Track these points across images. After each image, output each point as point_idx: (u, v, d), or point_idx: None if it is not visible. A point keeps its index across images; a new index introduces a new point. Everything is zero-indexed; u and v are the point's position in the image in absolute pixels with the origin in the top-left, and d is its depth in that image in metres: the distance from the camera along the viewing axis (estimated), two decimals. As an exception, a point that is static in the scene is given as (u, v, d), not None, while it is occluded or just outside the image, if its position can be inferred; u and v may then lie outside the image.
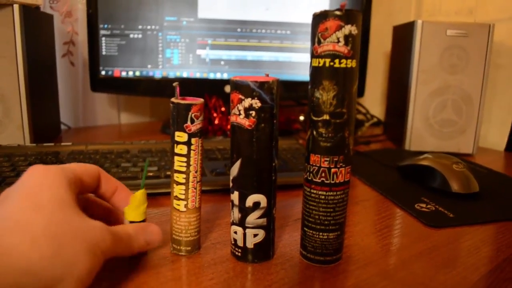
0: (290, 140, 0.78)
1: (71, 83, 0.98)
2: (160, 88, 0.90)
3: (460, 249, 0.43)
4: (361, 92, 0.97)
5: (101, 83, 0.90)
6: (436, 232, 0.47)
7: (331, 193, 0.36)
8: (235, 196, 0.37)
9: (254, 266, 0.38)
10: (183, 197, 0.38)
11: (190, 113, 0.35)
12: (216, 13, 0.87)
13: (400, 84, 0.87)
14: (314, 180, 0.36)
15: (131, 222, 0.37)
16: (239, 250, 0.39)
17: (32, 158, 0.62)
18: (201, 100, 0.37)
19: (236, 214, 0.38)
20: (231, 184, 0.38)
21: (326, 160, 0.35)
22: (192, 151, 0.36)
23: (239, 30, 0.89)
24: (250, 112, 0.34)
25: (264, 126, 0.35)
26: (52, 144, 0.69)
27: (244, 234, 0.38)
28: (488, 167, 0.73)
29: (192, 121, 0.36)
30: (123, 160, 0.62)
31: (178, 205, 0.38)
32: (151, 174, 0.56)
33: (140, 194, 0.37)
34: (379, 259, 0.40)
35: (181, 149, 0.36)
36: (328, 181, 0.36)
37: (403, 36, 0.86)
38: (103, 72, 0.89)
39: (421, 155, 0.63)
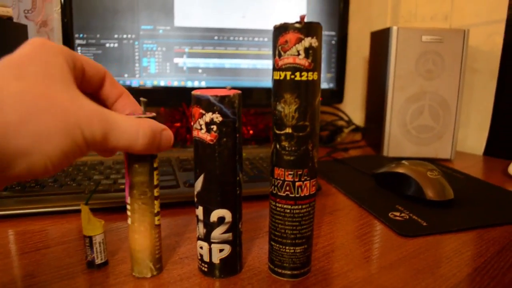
0: (267, 148, 0.77)
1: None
2: (138, 97, 0.88)
3: (431, 259, 0.42)
4: (339, 99, 0.97)
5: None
6: (408, 241, 0.46)
7: (296, 206, 0.36)
8: (199, 211, 0.37)
9: (221, 281, 0.37)
10: None
11: None
12: (192, 21, 0.87)
13: (378, 90, 0.87)
14: (279, 194, 0.36)
15: (88, 236, 0.37)
16: (206, 266, 0.38)
17: (2, 172, 0.60)
18: (151, 114, 0.35)
19: (201, 229, 0.37)
20: (195, 199, 0.37)
21: (290, 174, 0.35)
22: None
23: (216, 38, 0.88)
24: (211, 126, 0.34)
25: (226, 140, 0.34)
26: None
27: (210, 250, 0.37)
28: (465, 173, 0.73)
29: None
30: (96, 172, 0.61)
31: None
32: (122, 186, 0.55)
33: (83, 207, 0.37)
34: (348, 272, 0.39)
35: None
36: (293, 195, 0.35)
37: (380, 42, 0.86)
38: (79, 82, 0.87)
39: (397, 162, 0.63)
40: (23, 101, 0.25)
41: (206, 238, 0.37)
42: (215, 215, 0.36)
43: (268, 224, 0.38)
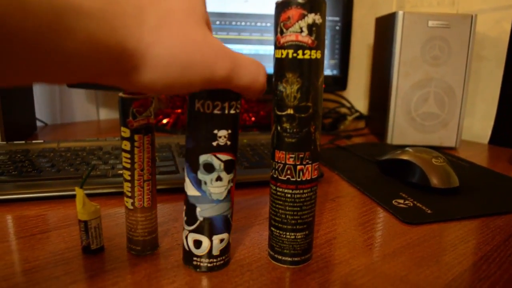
0: (268, 135, 0.76)
1: (47, 79, 0.95)
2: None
3: (436, 247, 0.41)
4: (343, 86, 0.95)
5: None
6: (413, 229, 0.45)
7: (298, 191, 0.34)
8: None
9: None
10: (129, 194, 0.36)
11: (131, 108, 0.34)
12: (194, 5, 0.85)
13: (382, 77, 0.85)
14: (280, 177, 0.35)
15: (83, 221, 0.37)
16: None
17: (0, 157, 0.60)
18: (148, 94, 0.35)
19: None
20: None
21: (292, 157, 0.34)
22: (136, 148, 0.35)
23: (218, 22, 0.86)
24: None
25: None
26: (23, 142, 0.67)
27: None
28: (470, 161, 0.72)
29: (134, 117, 0.34)
30: (94, 157, 0.60)
31: (127, 202, 0.37)
32: (120, 172, 0.54)
33: (78, 191, 0.36)
34: (350, 259, 0.38)
35: (126, 145, 0.35)
36: (294, 179, 0.34)
37: (385, 28, 0.84)
38: (78, 67, 0.86)
39: (401, 149, 0.61)
40: (159, 25, 0.25)
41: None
42: None
43: (269, 209, 0.37)
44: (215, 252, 0.35)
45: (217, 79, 0.28)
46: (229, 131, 0.33)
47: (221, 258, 0.36)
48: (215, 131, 0.32)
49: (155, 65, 0.25)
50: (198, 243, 0.35)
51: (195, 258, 0.36)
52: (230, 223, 0.36)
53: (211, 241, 0.35)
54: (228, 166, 0.33)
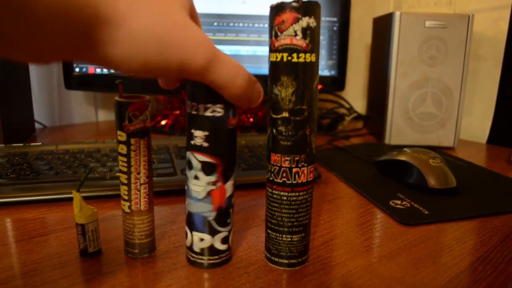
0: (266, 136, 0.76)
1: (45, 80, 0.96)
2: (137, 84, 0.87)
3: (433, 248, 0.41)
4: (341, 86, 0.95)
5: (75, 81, 0.88)
6: (410, 230, 0.45)
7: (293, 193, 0.35)
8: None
9: (216, 271, 0.36)
10: (126, 198, 0.36)
11: (127, 111, 0.34)
12: (191, 6, 0.85)
13: (380, 77, 0.85)
14: (276, 180, 0.35)
15: (80, 224, 0.37)
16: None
17: (-2, 159, 0.60)
18: (144, 98, 0.35)
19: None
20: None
21: (287, 160, 0.34)
22: (132, 152, 0.35)
23: (215, 24, 0.87)
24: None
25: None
26: (22, 144, 0.67)
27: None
28: (468, 161, 0.72)
29: (130, 120, 0.34)
30: (92, 160, 0.60)
31: (124, 205, 0.37)
32: (117, 174, 0.54)
33: (75, 194, 0.36)
34: (347, 261, 0.38)
35: (122, 148, 0.35)
36: (289, 182, 0.34)
37: (382, 28, 0.84)
38: (77, 69, 0.86)
39: (399, 150, 0.61)
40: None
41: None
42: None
43: (265, 212, 0.37)
44: (196, 248, 0.36)
45: (194, 67, 0.27)
46: (206, 133, 0.33)
47: (201, 257, 0.36)
48: (192, 130, 0.33)
49: (129, 40, 0.24)
50: (186, 233, 0.37)
51: (187, 248, 0.38)
52: (213, 227, 0.36)
53: (192, 235, 0.36)
54: (206, 168, 0.34)
